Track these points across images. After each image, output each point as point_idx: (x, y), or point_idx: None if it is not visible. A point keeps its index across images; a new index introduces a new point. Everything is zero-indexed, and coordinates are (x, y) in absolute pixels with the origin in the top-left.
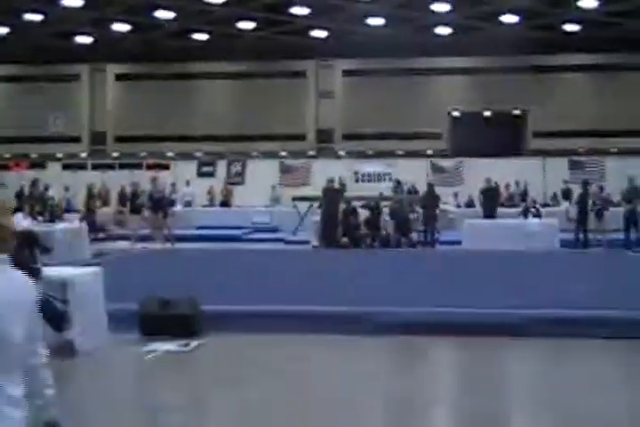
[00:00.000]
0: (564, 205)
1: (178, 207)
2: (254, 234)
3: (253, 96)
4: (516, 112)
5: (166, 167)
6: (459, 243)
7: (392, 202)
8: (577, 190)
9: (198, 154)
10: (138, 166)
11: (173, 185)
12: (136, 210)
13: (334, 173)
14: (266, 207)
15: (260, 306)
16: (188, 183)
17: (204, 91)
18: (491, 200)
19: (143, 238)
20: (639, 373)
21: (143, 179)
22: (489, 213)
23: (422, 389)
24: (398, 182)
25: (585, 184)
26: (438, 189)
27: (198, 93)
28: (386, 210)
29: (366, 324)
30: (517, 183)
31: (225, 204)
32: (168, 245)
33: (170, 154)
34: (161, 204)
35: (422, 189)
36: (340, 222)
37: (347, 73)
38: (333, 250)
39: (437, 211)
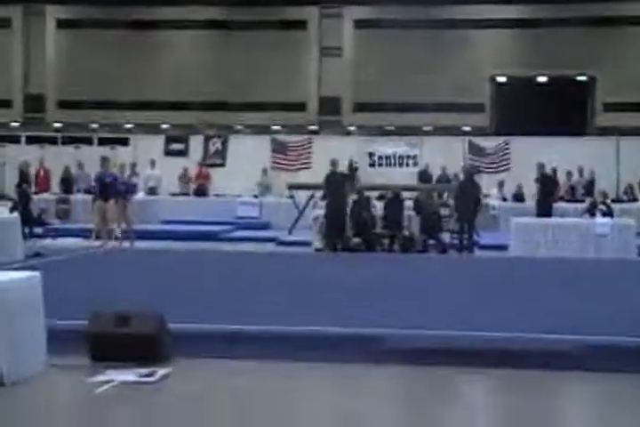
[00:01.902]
0: None
1: (139, 195)
2: (237, 231)
3: (236, 53)
4: (581, 78)
5: (124, 143)
6: (504, 248)
7: (418, 193)
8: None
9: (165, 126)
10: (87, 141)
11: (133, 166)
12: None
13: (342, 154)
14: (254, 197)
15: (243, 325)
16: (153, 164)
17: (171, 44)
18: (546, 193)
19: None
20: None
21: (93, 157)
22: (544, 210)
23: None
24: (426, 167)
25: None
26: (478, 177)
27: (165, 48)
28: (409, 203)
29: (376, 350)
30: (581, 171)
31: (200, 192)
32: (126, 244)
33: (128, 126)
34: (117, 190)
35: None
36: (349, 218)
37: (359, 24)
38: (340, 254)
39: (477, 205)
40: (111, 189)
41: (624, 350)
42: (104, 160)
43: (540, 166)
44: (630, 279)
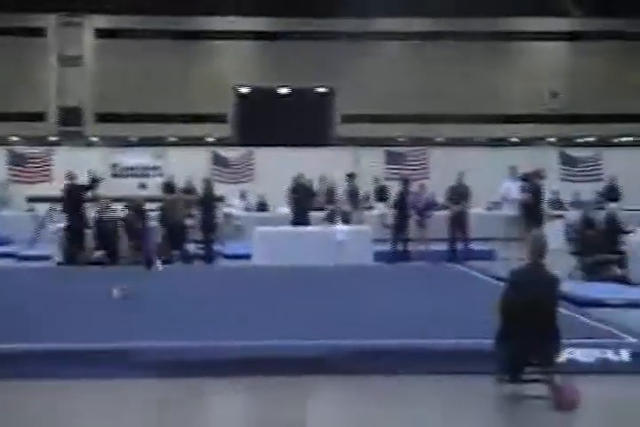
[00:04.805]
0: (380, 207)
1: None
2: None
3: None
4: (321, 90)
5: None
6: (248, 257)
7: (162, 204)
8: (395, 189)
9: None
10: None
11: None
12: None
13: (84, 166)
14: None
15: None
16: None
17: None
18: (302, 201)
19: None
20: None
21: None
22: (300, 219)
23: None
24: (170, 178)
25: (405, 182)
26: (223, 187)
27: None
28: (154, 214)
29: (129, 363)
30: (323, 180)
31: None
32: None
33: None
34: None
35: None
36: (93, 231)
37: (100, 33)
38: (83, 268)
39: (218, 215)
40: None
41: (373, 353)
42: None
43: (299, 177)
44: (363, 284)
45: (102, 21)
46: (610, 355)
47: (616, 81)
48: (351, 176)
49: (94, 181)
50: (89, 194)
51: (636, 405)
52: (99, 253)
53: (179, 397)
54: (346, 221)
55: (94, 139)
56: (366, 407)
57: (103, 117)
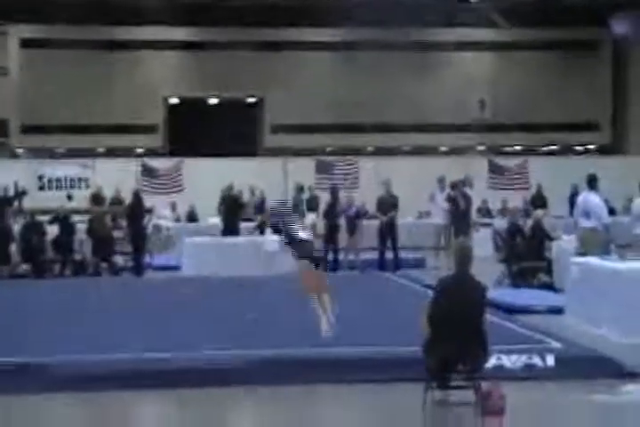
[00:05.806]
0: (310, 217)
1: None
2: None
3: None
4: (251, 100)
5: None
6: (177, 268)
7: (90, 216)
8: (325, 199)
9: None
10: None
11: None
12: None
13: (10, 178)
14: None
15: None
16: None
17: None
18: (232, 212)
19: None
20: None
21: None
22: (229, 229)
23: None
24: (98, 190)
25: (334, 191)
26: (152, 198)
27: None
28: (82, 226)
29: (38, 378)
30: (252, 191)
31: None
32: None
33: None
34: None
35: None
36: (18, 244)
37: (26, 43)
38: (6, 281)
39: (147, 226)
40: None
41: (285, 363)
42: None
43: (229, 188)
44: (298, 293)
45: (28, 31)
46: (536, 361)
47: (541, 91)
48: (301, 189)
49: (22, 194)
50: (15, 205)
51: (561, 409)
52: (24, 267)
53: (92, 411)
54: (276, 231)
55: (20, 150)
56: (300, 414)
57: (29, 129)
